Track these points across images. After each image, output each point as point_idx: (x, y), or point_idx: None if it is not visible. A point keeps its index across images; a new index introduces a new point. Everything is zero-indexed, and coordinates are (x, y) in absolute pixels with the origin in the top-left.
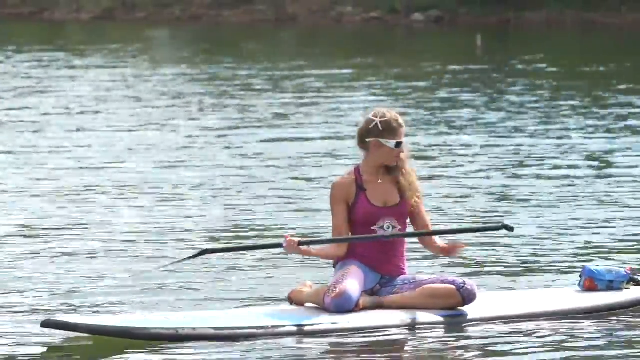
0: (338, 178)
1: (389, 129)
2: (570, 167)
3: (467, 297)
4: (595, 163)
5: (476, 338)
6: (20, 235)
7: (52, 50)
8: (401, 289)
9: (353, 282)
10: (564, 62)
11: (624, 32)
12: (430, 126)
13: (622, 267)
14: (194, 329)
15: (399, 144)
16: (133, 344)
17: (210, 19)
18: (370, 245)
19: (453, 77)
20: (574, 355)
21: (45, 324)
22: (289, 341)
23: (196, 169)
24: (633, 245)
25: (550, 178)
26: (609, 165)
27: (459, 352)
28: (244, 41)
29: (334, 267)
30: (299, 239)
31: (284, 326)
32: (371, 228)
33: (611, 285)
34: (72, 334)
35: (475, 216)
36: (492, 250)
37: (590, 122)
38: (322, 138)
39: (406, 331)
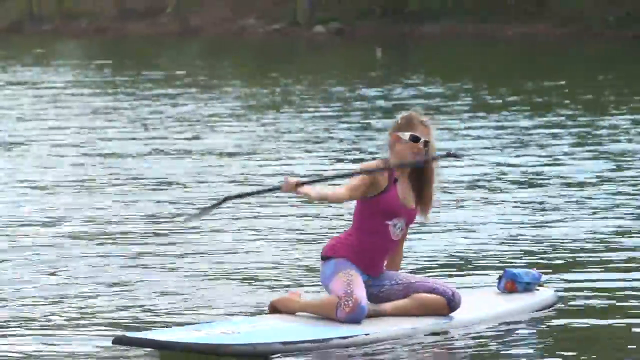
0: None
1: (408, 123)
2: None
3: (454, 307)
4: (495, 168)
5: (431, 343)
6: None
7: None
8: (391, 289)
9: (361, 291)
10: (459, 73)
11: (514, 43)
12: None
13: (527, 269)
14: (268, 344)
15: (414, 137)
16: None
17: (115, 32)
18: (375, 247)
19: (353, 88)
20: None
21: (118, 341)
22: (339, 351)
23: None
24: (535, 246)
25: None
26: (508, 170)
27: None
28: (149, 53)
29: (322, 259)
30: (298, 179)
31: (331, 339)
32: (386, 222)
33: (529, 287)
34: (140, 351)
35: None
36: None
37: (487, 129)
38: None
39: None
